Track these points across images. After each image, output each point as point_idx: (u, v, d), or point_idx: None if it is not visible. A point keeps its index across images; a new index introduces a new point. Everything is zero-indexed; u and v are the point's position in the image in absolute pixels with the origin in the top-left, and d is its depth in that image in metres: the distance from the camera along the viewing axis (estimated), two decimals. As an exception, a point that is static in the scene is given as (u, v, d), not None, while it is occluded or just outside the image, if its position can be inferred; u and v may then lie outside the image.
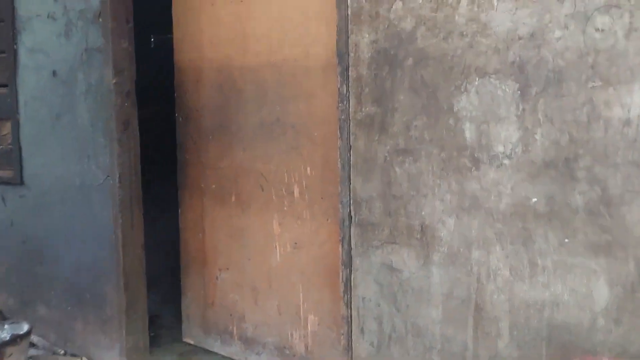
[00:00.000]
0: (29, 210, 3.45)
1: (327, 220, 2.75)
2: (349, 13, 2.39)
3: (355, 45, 2.40)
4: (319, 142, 2.75)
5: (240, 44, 2.97)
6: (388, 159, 2.34)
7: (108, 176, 3.05)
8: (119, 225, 3.04)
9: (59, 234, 3.32)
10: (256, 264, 3.04)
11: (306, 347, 2.90)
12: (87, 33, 3.06)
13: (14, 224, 3.53)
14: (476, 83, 2.11)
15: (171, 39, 3.25)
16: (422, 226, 2.28)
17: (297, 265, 2.89)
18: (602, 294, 1.94)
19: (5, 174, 3.49)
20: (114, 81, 2.98)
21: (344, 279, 2.51)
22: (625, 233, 1.88)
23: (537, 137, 2.00)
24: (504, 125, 2.07)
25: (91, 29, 3.03)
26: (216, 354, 3.24)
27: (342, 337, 2.56)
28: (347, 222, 2.48)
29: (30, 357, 3.21)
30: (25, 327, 3.04)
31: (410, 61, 2.26)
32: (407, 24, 2.26)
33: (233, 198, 3.09)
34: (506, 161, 2.08)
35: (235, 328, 3.16)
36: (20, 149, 3.42)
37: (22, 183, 3.44)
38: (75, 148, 3.18)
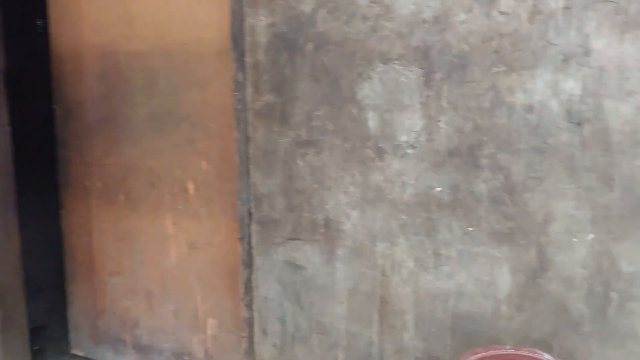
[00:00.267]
0: None
1: (226, 218, 2.66)
2: (244, -6, 2.29)
3: (252, 28, 2.28)
4: (216, 134, 2.63)
5: (126, 27, 2.79)
6: (289, 151, 2.26)
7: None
8: (-10, 232, 2.80)
9: None
10: (149, 267, 2.92)
11: (206, 352, 2.83)
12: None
13: None
14: (379, 69, 2.06)
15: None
16: (326, 220, 2.23)
17: (194, 267, 2.80)
18: (504, 281, 1.95)
19: None
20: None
21: (245, 279, 2.44)
22: (528, 220, 1.89)
23: (441, 125, 1.98)
24: (407, 113, 2.03)
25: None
26: (108, 365, 3.14)
27: (243, 340, 2.51)
28: (247, 220, 2.40)
29: None
30: None
31: (310, 46, 2.18)
32: (307, 6, 2.17)
33: (122, 197, 2.95)
34: (410, 151, 2.04)
35: (128, 336, 3.05)
36: None
37: None
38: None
